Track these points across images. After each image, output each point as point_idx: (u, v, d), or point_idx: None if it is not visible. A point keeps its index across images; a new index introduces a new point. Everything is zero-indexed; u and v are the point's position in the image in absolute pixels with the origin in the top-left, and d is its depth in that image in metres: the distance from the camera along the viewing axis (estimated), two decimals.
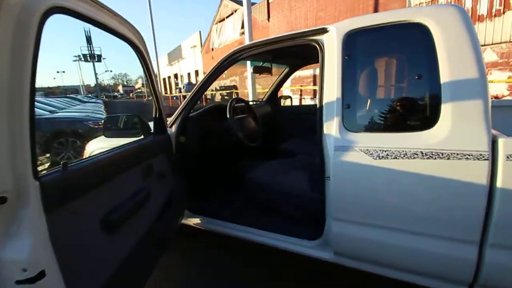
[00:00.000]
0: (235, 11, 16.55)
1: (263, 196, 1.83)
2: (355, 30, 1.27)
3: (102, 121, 1.52)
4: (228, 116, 1.93)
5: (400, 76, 1.28)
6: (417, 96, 1.20)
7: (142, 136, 1.55)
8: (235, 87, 16.33)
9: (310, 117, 3.04)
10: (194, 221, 1.91)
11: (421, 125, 1.15)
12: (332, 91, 1.30)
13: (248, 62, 5.77)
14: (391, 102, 1.25)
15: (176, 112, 1.80)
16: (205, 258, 1.95)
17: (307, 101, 10.81)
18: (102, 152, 1.12)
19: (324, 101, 1.33)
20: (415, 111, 1.19)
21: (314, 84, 11.04)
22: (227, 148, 2.34)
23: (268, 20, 12.63)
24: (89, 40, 31.60)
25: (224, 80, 18.30)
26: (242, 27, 15.90)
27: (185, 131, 1.84)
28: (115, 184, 1.11)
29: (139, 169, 1.33)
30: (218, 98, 17.01)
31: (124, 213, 1.11)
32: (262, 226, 1.67)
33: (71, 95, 23.51)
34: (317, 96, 1.36)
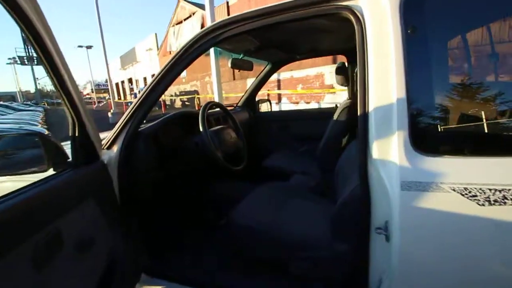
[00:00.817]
0: (193, 14, 15.78)
1: (255, 248, 1.23)
2: None
3: None
4: (201, 128, 1.31)
5: None
6: None
7: (52, 171, 0.88)
8: (196, 92, 15.45)
9: (297, 124, 2.55)
10: None
11: None
12: (387, 87, 0.77)
13: (212, 58, 5.07)
14: (503, 103, 0.75)
15: (118, 125, 1.13)
16: None
17: (272, 106, 10.44)
18: None
19: (371, 106, 0.80)
20: None
21: (279, 88, 10.75)
22: (197, 174, 1.69)
23: None
24: (26, 40, 27.98)
25: (184, 85, 17.30)
26: None
27: (134, 153, 1.18)
28: None
29: (30, 248, 0.65)
30: (178, 104, 15.94)
31: None
32: None
33: (4, 103, 20.31)
34: (359, 97, 0.83)
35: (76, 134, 0.89)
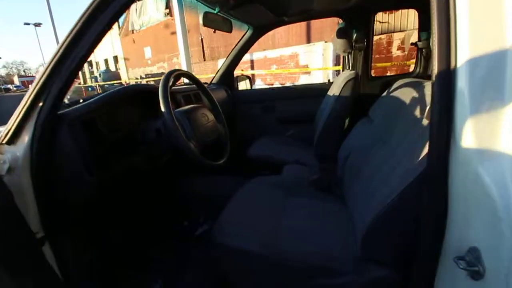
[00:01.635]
0: None
1: (248, 277, 0.88)
2: None
3: None
4: (162, 107, 0.90)
5: None
6: None
7: None
8: (164, 74, 14.42)
9: (284, 103, 2.17)
10: None
11: None
12: (498, 38, 0.44)
13: (180, 40, 4.46)
14: None
15: (21, 106, 0.69)
16: None
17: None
18: None
19: (461, 67, 0.47)
20: None
21: (252, 69, 10.22)
22: (161, 172, 1.26)
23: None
24: None
25: (150, 67, 16.11)
26: (167, 7, 13.96)
27: (55, 148, 0.75)
28: None
29: None
30: None
31: None
32: None
33: None
34: (436, 56, 0.49)
35: None
